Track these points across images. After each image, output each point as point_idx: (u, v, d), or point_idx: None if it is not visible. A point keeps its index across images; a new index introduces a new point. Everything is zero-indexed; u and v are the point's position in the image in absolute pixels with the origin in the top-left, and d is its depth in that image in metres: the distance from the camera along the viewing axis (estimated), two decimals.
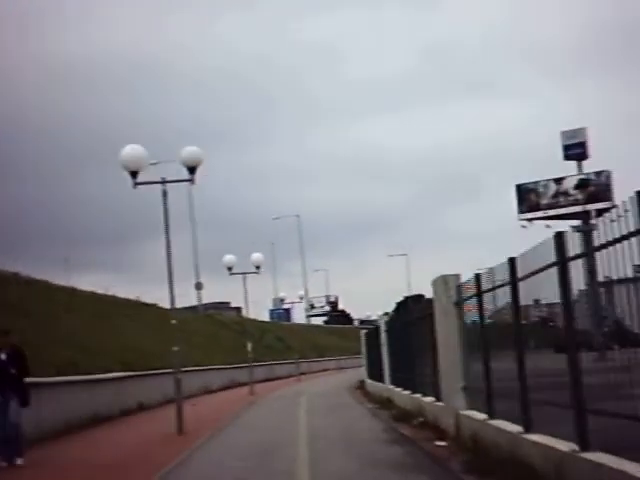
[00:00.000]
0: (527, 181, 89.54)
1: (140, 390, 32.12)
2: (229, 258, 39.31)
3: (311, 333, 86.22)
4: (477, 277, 13.97)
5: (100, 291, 51.70)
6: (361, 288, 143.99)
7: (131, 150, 20.73)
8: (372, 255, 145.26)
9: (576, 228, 75.51)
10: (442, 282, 16.42)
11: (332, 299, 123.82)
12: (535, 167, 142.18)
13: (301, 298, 77.90)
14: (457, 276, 16.30)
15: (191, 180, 21.32)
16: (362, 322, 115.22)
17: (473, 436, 14.10)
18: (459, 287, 16.00)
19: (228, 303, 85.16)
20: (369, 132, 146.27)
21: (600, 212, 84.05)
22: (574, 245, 9.42)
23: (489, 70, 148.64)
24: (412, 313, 22.32)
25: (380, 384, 31.71)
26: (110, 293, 53.05)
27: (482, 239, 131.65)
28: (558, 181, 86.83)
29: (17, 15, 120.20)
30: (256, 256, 39.97)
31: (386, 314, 35.15)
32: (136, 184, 20.87)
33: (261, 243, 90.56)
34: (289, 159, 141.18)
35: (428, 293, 18.44)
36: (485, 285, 13.63)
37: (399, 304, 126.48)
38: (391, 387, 28.41)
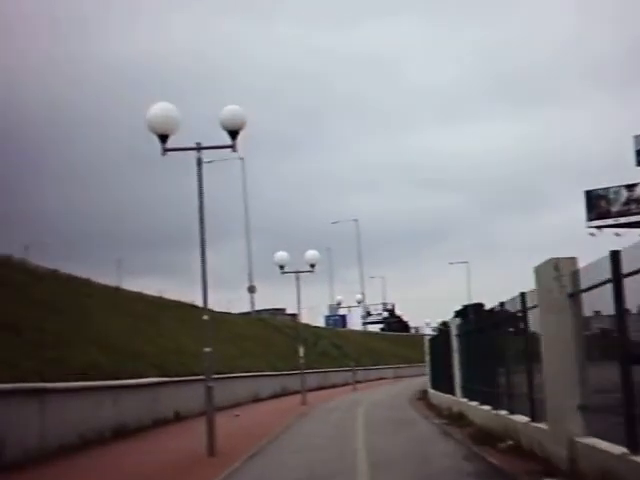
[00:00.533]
0: (596, 187, 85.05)
1: (177, 398, 28.19)
2: (281, 255, 35.43)
3: (367, 340, 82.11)
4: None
5: (147, 292, 48.50)
6: (418, 297, 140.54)
7: (160, 110, 17.30)
8: (428, 265, 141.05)
9: None
10: (551, 267, 12.27)
11: (389, 306, 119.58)
12: (597, 178, 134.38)
13: (359, 302, 73.84)
14: (573, 260, 12.36)
15: (232, 146, 17.76)
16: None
17: (604, 475, 10.01)
18: (575, 274, 11.98)
19: (284, 310, 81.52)
20: (426, 141, 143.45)
21: None
22: None
23: (548, 81, 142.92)
24: (498, 313, 18.11)
25: (448, 396, 27.58)
26: (157, 294, 49.84)
27: (542, 251, 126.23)
28: (630, 187, 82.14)
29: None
30: (311, 253, 36.01)
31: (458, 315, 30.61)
32: (165, 150, 17.36)
33: (318, 250, 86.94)
34: (346, 168, 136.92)
35: (488, 302, 14.65)
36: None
37: (458, 312, 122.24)
38: (463, 400, 24.23)
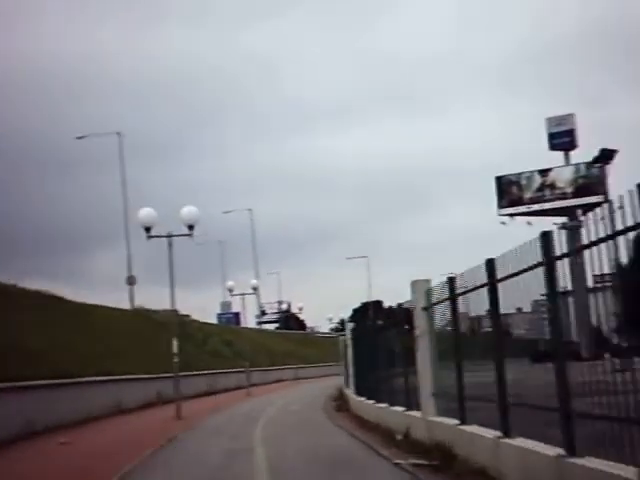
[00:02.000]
0: (508, 172, 76.61)
1: None
2: (147, 212, 26.55)
3: (263, 338, 71.85)
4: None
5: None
6: (313, 298, 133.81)
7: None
8: (322, 266, 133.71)
9: (562, 225, 62.14)
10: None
11: (284, 305, 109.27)
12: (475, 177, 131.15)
13: (254, 289, 63.26)
14: (427, 281, 14.21)
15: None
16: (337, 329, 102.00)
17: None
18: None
19: (176, 312, 70.68)
20: (312, 147, 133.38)
21: (589, 208, 70.79)
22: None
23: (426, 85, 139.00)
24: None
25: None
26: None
27: (437, 250, 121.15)
28: (544, 172, 73.72)
29: None
30: (188, 210, 26.69)
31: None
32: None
33: (210, 245, 78.21)
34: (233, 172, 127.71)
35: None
36: None
37: (356, 310, 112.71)
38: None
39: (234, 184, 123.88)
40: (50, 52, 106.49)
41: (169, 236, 25.88)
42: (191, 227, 24.88)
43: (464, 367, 11.97)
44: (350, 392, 27.23)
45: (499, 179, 74.86)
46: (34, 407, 21.43)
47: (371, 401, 20.69)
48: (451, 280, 12.14)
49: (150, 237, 25.95)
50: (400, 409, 16.34)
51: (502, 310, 10.13)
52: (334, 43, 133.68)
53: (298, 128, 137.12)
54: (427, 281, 14.15)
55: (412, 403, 15.35)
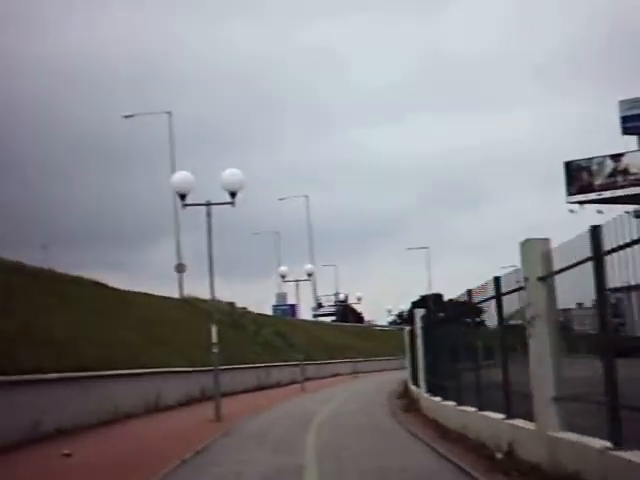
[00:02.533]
0: (578, 157, 71.64)
1: None
2: (182, 176, 22.58)
3: (320, 330, 67.83)
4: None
5: None
6: (371, 292, 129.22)
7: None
8: (380, 260, 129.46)
9: (635, 212, 56.97)
10: None
11: (342, 297, 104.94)
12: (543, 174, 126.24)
13: (309, 275, 58.32)
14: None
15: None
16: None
17: None
18: None
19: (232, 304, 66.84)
20: (372, 138, 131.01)
21: None
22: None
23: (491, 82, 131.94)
24: None
25: (474, 412, 13.56)
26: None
27: (498, 244, 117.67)
28: (616, 157, 68.70)
29: None
30: (229, 172, 22.19)
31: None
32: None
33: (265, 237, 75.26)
34: (290, 166, 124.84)
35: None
36: None
37: (415, 303, 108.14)
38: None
39: (292, 176, 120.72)
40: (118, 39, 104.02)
41: (208, 204, 21.84)
42: (233, 194, 21.17)
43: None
44: (419, 390, 23.03)
45: (568, 165, 70.10)
46: (44, 404, 17.53)
47: (450, 403, 16.44)
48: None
49: (185, 205, 21.92)
50: (497, 416, 12.09)
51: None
52: (396, 38, 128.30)
53: (358, 120, 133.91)
54: (545, 241, 9.95)
55: (516, 409, 11.21)
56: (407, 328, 33.76)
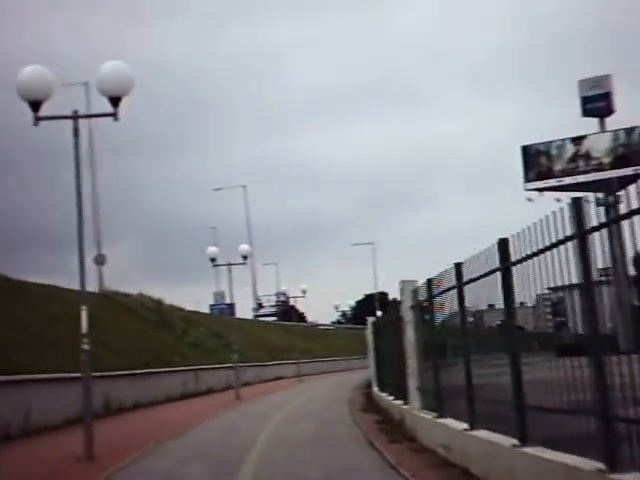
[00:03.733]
0: (535, 142, 64.69)
1: None
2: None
3: (260, 329, 59.87)
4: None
5: None
6: (313, 293, 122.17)
7: (32, 73, 13.04)
8: (321, 261, 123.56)
9: (597, 200, 50.87)
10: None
11: (283, 297, 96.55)
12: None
13: (244, 257, 50.07)
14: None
15: (114, 115, 13.08)
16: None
17: None
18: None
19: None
20: (312, 142, 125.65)
21: (630, 180, 59.22)
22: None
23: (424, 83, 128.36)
24: None
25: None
26: None
27: (445, 242, 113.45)
28: (577, 140, 61.79)
29: None
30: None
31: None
32: (38, 119, 12.99)
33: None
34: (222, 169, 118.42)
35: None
36: None
37: (360, 302, 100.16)
38: None
39: (237, 179, 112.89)
40: None
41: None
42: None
43: None
44: (396, 401, 15.44)
45: (525, 149, 62.98)
46: None
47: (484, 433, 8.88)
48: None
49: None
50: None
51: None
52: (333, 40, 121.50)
53: (299, 123, 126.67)
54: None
55: None
56: (371, 321, 26.30)
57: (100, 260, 45.89)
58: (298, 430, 16.13)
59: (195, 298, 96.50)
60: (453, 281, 10.09)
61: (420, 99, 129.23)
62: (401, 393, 15.67)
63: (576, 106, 59.77)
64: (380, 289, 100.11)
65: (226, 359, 38.64)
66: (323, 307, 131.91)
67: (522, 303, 8.61)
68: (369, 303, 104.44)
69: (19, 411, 17.52)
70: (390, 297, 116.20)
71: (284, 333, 62.53)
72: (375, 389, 24.19)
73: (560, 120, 67.54)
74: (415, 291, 13.13)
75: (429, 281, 11.64)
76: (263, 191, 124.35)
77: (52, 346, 23.69)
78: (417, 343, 13.26)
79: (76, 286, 37.83)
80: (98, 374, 23.66)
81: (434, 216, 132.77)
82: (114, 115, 13.06)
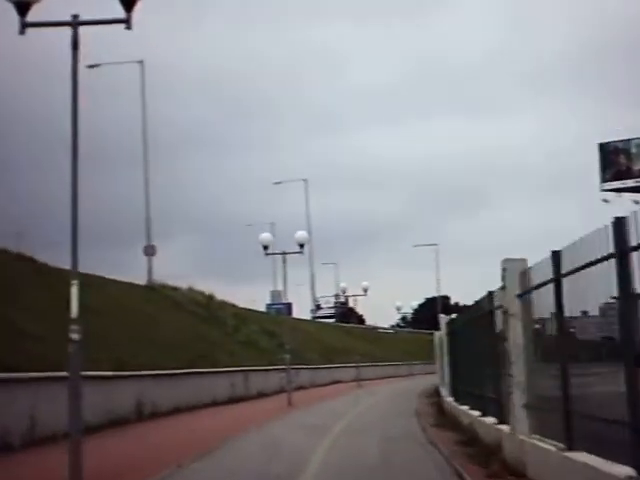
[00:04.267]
0: (614, 139, 60.43)
1: None
2: (265, 236, 26.01)
3: (318, 330, 56.35)
4: None
5: None
6: (371, 296, 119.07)
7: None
8: (379, 264, 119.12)
9: None
10: None
11: (342, 298, 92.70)
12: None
13: (301, 245, 45.96)
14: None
15: (127, 21, 10.12)
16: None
17: None
18: None
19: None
20: (369, 141, 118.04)
21: None
22: None
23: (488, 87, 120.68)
24: None
25: None
26: None
27: (494, 252, 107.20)
28: None
29: None
30: (300, 234, 25.72)
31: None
32: (25, 25, 10.07)
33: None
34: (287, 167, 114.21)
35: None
36: None
37: (422, 305, 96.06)
38: None
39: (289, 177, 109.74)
40: None
41: (284, 253, 24.34)
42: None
43: None
44: (484, 418, 11.81)
45: (602, 147, 58.85)
46: None
47: None
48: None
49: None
50: None
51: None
52: (393, 41, 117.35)
53: (353, 125, 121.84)
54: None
55: None
56: (444, 319, 22.58)
57: (150, 251, 42.83)
58: (361, 451, 12.52)
59: (252, 297, 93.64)
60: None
61: (484, 102, 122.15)
62: (493, 408, 11.99)
63: None
64: (442, 293, 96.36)
65: (279, 360, 35.21)
66: (382, 310, 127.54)
67: None
68: (431, 307, 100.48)
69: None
70: (452, 301, 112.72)
71: (343, 335, 58.93)
72: (448, 399, 20.50)
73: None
74: (524, 274, 9.87)
75: (556, 255, 8.16)
76: (322, 191, 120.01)
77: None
78: (526, 343, 9.56)
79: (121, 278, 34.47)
80: (127, 373, 20.50)
81: (496, 221, 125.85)
82: (127, 22, 10.05)
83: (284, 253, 26.87)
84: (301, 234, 26.84)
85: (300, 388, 37.14)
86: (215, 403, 26.67)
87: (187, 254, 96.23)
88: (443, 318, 25.42)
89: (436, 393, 26.70)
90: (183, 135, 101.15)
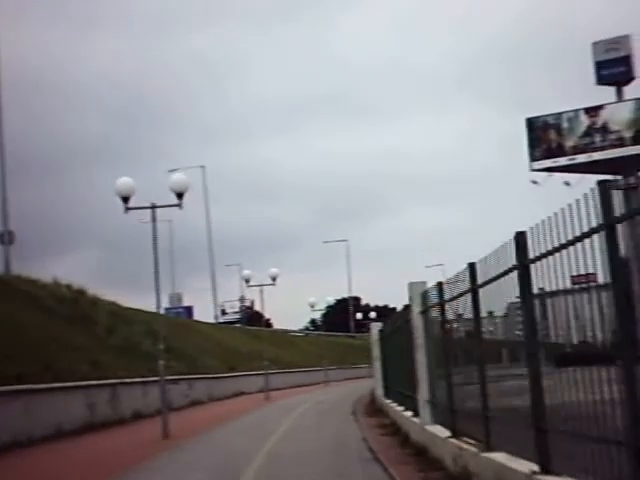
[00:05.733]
0: (542, 113, 53.31)
1: None
2: (124, 182, 19.11)
3: (220, 334, 47.31)
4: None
5: None
6: (277, 302, 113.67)
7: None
8: (283, 269, 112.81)
9: (614, 184, 39.60)
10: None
11: (247, 302, 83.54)
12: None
13: (273, 279, 35.98)
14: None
15: (179, 205, 18.89)
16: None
17: None
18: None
19: None
20: (262, 152, 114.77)
21: None
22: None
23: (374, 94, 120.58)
24: None
25: None
26: None
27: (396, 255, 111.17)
28: (592, 111, 50.55)
29: None
30: (177, 176, 19.70)
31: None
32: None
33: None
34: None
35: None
36: None
37: (330, 307, 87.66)
38: None
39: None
40: None
41: (153, 207, 18.54)
42: (180, 195, 18.62)
43: None
44: None
45: (531, 122, 51.43)
46: None
47: None
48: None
49: (128, 209, 18.76)
50: None
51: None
52: (286, 46, 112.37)
53: (249, 133, 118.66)
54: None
55: None
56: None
57: (6, 239, 33.61)
58: None
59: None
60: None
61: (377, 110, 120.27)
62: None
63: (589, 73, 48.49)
64: (346, 295, 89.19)
65: (170, 369, 26.32)
66: (291, 315, 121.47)
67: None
68: (341, 309, 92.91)
69: None
70: (363, 302, 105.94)
71: (249, 339, 49.88)
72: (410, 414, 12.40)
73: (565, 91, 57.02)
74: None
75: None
76: (223, 199, 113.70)
77: None
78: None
79: None
80: None
81: (395, 227, 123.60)
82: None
83: (153, 207, 18.17)
84: (178, 177, 19.19)
85: (195, 404, 28.43)
86: (60, 434, 17.79)
87: (92, 266, 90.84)
88: (374, 326, 26.07)
89: (369, 402, 18.55)
90: (83, 148, 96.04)
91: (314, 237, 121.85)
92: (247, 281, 35.37)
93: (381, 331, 23.16)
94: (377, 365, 23.78)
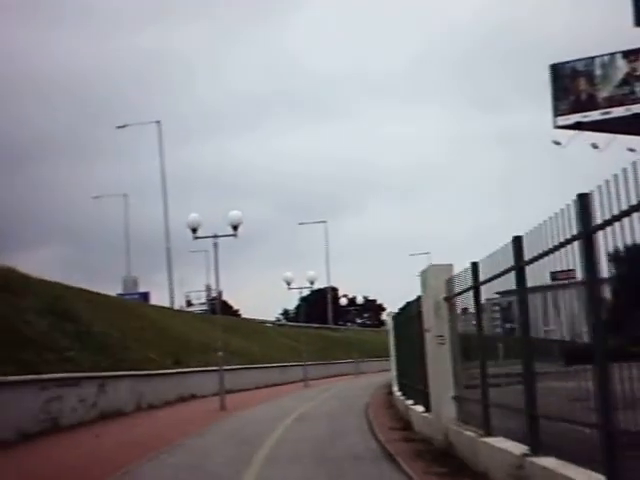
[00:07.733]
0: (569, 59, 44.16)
1: None
2: (193, 217, 24.10)
3: (173, 320, 36.86)
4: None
5: None
6: (246, 297, 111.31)
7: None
8: (250, 266, 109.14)
9: None
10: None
11: (214, 293, 73.14)
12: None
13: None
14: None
15: (234, 235, 23.89)
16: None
17: None
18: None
19: None
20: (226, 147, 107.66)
21: None
22: None
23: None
24: None
25: None
26: None
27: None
28: (631, 56, 41.62)
29: None
30: (234, 213, 24.02)
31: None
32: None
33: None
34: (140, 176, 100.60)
35: None
36: None
37: (304, 299, 78.81)
38: None
39: (151, 185, 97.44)
40: None
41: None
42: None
43: None
44: None
45: (556, 69, 41.73)
46: None
47: None
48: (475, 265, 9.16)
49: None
50: None
51: None
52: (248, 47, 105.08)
53: (211, 130, 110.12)
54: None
55: None
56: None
57: None
58: None
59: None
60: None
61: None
62: None
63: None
64: (324, 285, 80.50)
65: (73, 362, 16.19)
66: (260, 308, 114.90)
67: None
68: (318, 300, 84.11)
69: None
70: (340, 293, 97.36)
71: (207, 327, 39.47)
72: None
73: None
74: (450, 280, 10.43)
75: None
76: (182, 196, 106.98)
77: None
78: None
79: None
80: None
81: (359, 226, 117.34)
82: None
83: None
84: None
85: (115, 415, 18.31)
86: None
87: (62, 261, 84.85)
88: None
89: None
90: (50, 141, 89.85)
91: (282, 234, 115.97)
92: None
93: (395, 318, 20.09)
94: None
